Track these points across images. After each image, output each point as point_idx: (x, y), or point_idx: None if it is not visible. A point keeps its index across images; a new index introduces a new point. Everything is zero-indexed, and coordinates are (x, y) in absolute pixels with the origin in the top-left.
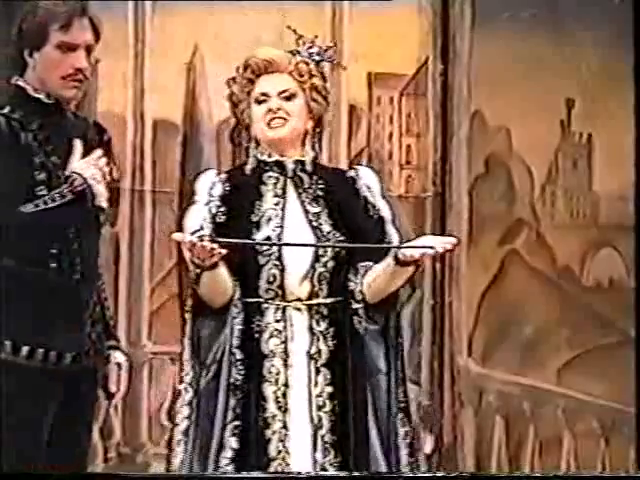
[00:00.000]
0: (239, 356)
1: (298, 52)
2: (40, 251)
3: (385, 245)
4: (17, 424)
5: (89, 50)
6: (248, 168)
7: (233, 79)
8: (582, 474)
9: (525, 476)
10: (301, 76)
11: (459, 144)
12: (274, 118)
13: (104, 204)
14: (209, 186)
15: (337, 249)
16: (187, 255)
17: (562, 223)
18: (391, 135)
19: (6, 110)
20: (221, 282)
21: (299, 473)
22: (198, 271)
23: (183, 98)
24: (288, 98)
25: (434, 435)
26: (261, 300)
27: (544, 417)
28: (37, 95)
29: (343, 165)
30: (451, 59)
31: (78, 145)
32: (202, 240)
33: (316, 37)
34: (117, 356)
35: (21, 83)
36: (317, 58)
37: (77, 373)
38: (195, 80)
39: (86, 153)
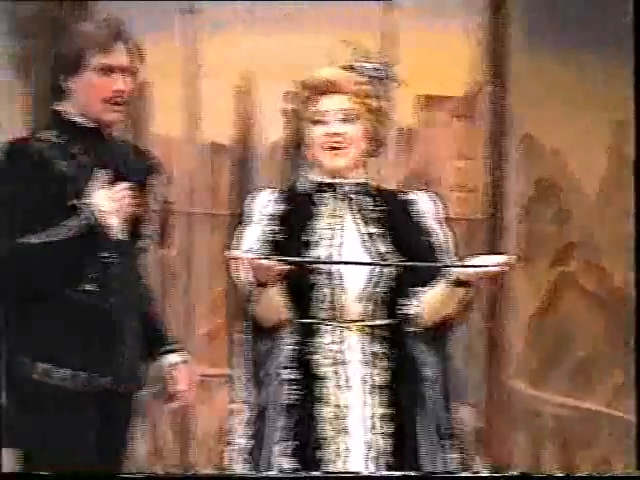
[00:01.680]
0: (291, 377)
1: (353, 67)
2: (75, 274)
3: (441, 264)
4: (52, 445)
5: (128, 72)
6: (303, 188)
7: (291, 94)
8: (582, 474)
9: (526, 476)
10: (361, 98)
11: (511, 166)
12: (332, 146)
13: (119, 236)
14: (263, 205)
15: (392, 270)
16: (242, 274)
17: (614, 245)
18: (442, 158)
19: (44, 136)
20: (275, 301)
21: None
22: (253, 289)
23: (236, 121)
24: (347, 121)
25: (486, 459)
26: (315, 321)
27: (596, 440)
28: (78, 120)
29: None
30: (503, 82)
31: (101, 175)
32: (261, 258)
33: (373, 51)
34: (170, 358)
35: (60, 108)
36: (373, 74)
37: (111, 395)
38: (247, 103)
39: (124, 180)
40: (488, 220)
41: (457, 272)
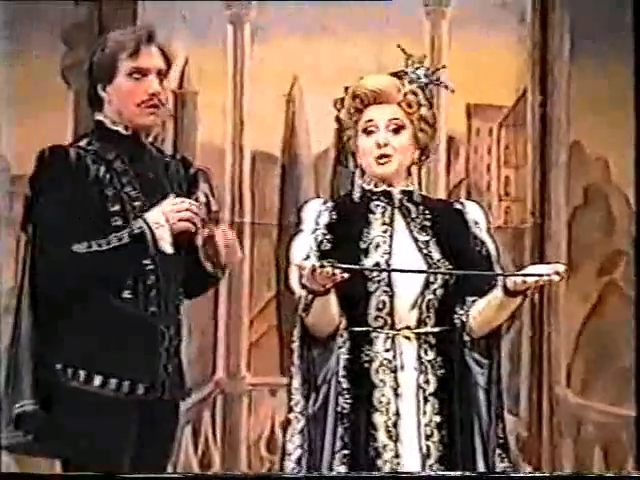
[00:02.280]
0: (346, 385)
1: (405, 73)
2: (115, 281)
3: (495, 273)
4: (92, 451)
5: (160, 75)
6: (355, 197)
7: (341, 101)
8: (582, 474)
9: (526, 476)
10: (410, 107)
11: (558, 175)
12: (382, 154)
13: (168, 249)
14: (315, 215)
15: (446, 277)
16: (296, 282)
17: None
18: (489, 166)
19: (82, 143)
20: (330, 310)
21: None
22: (310, 297)
23: (282, 129)
24: (396, 130)
25: (533, 467)
26: (370, 329)
27: None
28: (115, 127)
29: (441, 196)
30: (550, 90)
31: (165, 199)
32: (323, 266)
33: (425, 57)
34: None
35: (100, 117)
36: (424, 80)
37: (152, 404)
38: (294, 111)
39: (162, 188)
40: (535, 228)
41: (510, 281)
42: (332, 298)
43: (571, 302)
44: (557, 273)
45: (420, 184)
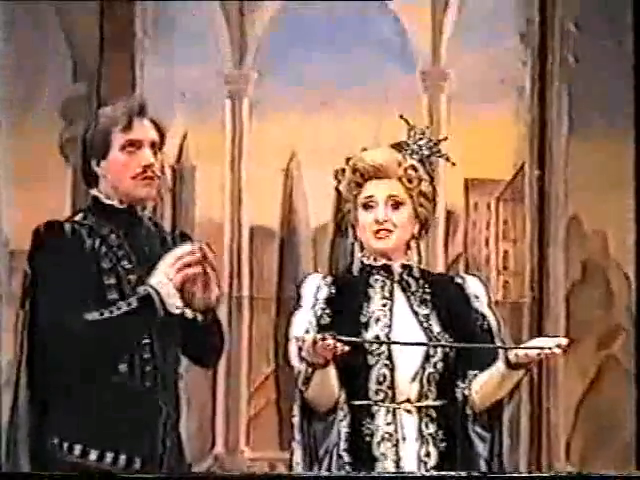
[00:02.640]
0: (347, 459)
1: (407, 144)
2: (111, 356)
3: (498, 346)
4: None
5: (154, 147)
6: (354, 270)
7: (342, 172)
8: (582, 474)
9: (526, 476)
10: (410, 182)
11: (556, 249)
12: (380, 230)
13: (176, 307)
14: (314, 289)
15: (446, 351)
16: (295, 357)
17: None
18: (488, 240)
19: (77, 218)
20: (330, 383)
21: None
22: (310, 370)
23: (280, 204)
24: (396, 207)
25: None
26: (371, 402)
27: None
28: (109, 202)
29: (440, 270)
30: (548, 165)
31: (161, 260)
32: (324, 338)
33: (427, 128)
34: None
35: (95, 193)
36: (426, 152)
37: (150, 477)
38: (292, 186)
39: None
40: (533, 303)
41: (512, 354)
42: (331, 371)
43: (570, 377)
44: (559, 346)
45: (420, 258)
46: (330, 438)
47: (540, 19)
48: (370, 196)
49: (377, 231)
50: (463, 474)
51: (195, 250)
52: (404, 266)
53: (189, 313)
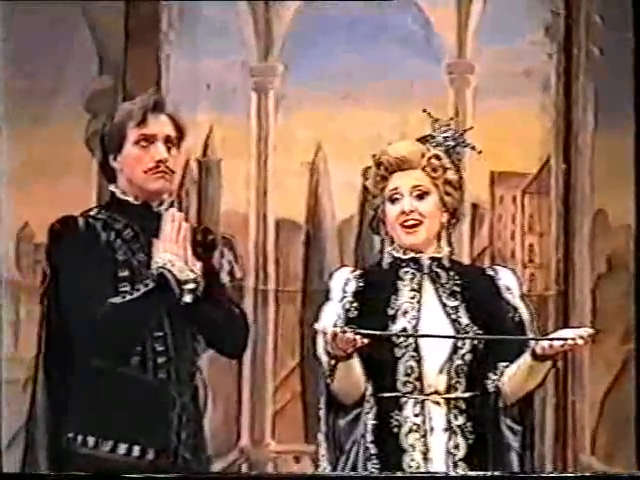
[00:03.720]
0: (374, 450)
1: (433, 137)
2: (123, 348)
3: (523, 337)
4: None
5: (169, 142)
6: (384, 264)
7: (368, 169)
8: (582, 474)
9: (526, 476)
10: (434, 171)
11: (581, 242)
12: (408, 220)
13: (191, 283)
14: (343, 283)
15: (475, 343)
16: (322, 351)
17: None
18: (513, 234)
19: (92, 212)
20: (354, 375)
21: None
22: (333, 362)
23: (306, 197)
24: (421, 197)
25: None
26: (399, 394)
27: None
28: (125, 197)
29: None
30: (573, 158)
31: (154, 242)
32: (345, 331)
33: (452, 119)
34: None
35: (112, 188)
36: (451, 143)
37: (164, 469)
38: (318, 179)
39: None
40: (559, 296)
41: (538, 346)
42: (356, 364)
43: (595, 370)
44: (582, 337)
45: (452, 249)
46: (356, 431)
47: (565, 12)
48: (395, 188)
49: (404, 223)
50: (472, 474)
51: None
52: (433, 258)
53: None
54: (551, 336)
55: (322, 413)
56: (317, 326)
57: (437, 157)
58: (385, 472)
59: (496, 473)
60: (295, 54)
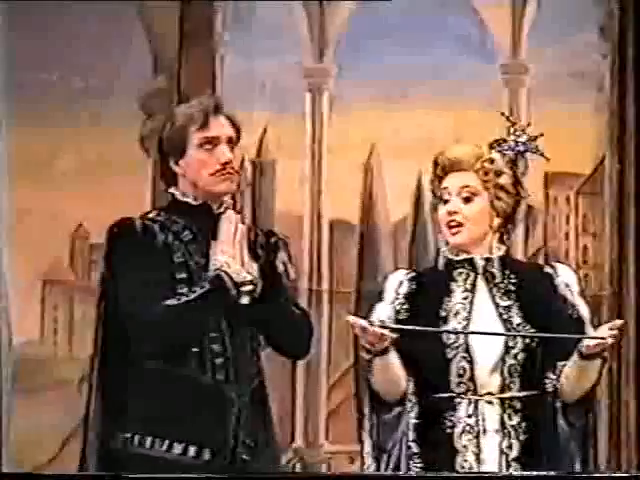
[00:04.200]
0: (416, 449)
1: (505, 140)
2: (181, 350)
3: (565, 335)
4: None
5: (231, 143)
6: (439, 265)
7: (425, 172)
8: (582, 474)
9: (530, 476)
10: (486, 174)
11: (636, 243)
12: (451, 221)
13: (248, 285)
14: (397, 285)
15: (528, 342)
16: (360, 341)
17: None
18: (567, 234)
19: (151, 214)
20: (392, 371)
21: None
22: (368, 357)
23: (360, 198)
24: (468, 199)
25: None
26: (452, 394)
27: None
28: (184, 199)
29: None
30: (627, 158)
31: (212, 244)
32: (372, 324)
33: (528, 125)
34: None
35: (172, 190)
36: (522, 148)
37: (221, 470)
38: (372, 179)
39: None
40: (613, 297)
41: (584, 345)
42: (393, 360)
43: None
44: (614, 330)
45: (508, 249)
46: (399, 429)
47: (620, 12)
48: (445, 188)
49: (449, 223)
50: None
51: (232, 220)
52: (486, 259)
53: (245, 299)
54: (592, 334)
55: (366, 411)
56: (349, 317)
57: (491, 161)
58: (430, 472)
59: (552, 473)
60: (349, 55)
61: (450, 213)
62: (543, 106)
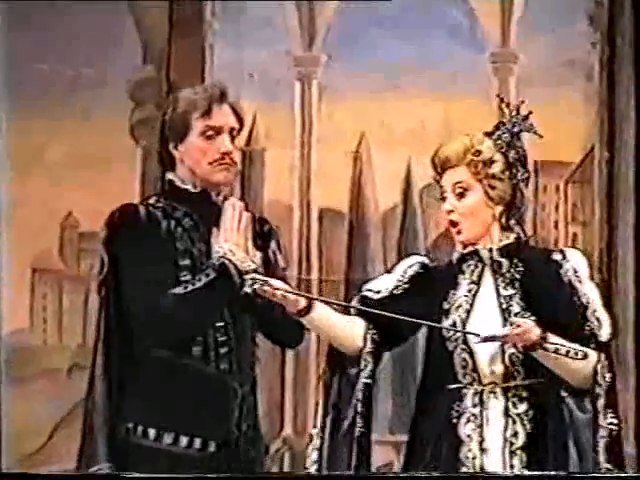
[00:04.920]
0: (360, 409)
1: (503, 123)
2: (184, 339)
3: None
4: None
5: (232, 133)
6: (453, 259)
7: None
8: (582, 474)
9: (525, 476)
10: (476, 167)
11: (625, 232)
12: (451, 220)
13: (252, 274)
14: (407, 265)
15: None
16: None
17: None
18: (557, 223)
19: (151, 201)
20: (327, 330)
21: None
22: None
23: (349, 187)
24: (462, 194)
25: None
26: (457, 385)
27: None
28: (184, 186)
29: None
30: (617, 147)
31: (214, 232)
32: (254, 281)
33: (522, 102)
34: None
35: (170, 176)
36: (517, 129)
37: (225, 461)
38: (361, 168)
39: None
40: (602, 285)
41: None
42: (322, 321)
43: (638, 358)
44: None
45: (517, 235)
46: (356, 388)
47: (609, 1)
48: (442, 187)
49: (450, 222)
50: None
51: (236, 207)
52: (490, 249)
53: (249, 288)
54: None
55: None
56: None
57: (478, 152)
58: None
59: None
60: (339, 44)
61: (447, 212)
62: (532, 95)
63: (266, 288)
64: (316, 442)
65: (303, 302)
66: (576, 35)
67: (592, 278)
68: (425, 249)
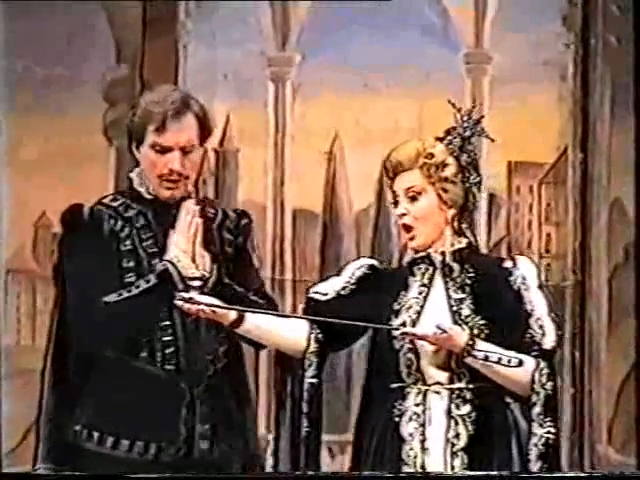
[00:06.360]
0: (306, 409)
1: (454, 128)
2: (126, 343)
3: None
4: None
5: (185, 150)
6: (404, 262)
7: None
8: (582, 474)
9: (525, 476)
10: (428, 170)
11: (599, 232)
12: (403, 224)
13: (197, 281)
14: (356, 267)
15: (475, 333)
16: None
17: None
18: (530, 224)
19: (107, 200)
20: (264, 337)
21: None
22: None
23: (323, 187)
24: (414, 198)
25: None
26: (401, 385)
27: None
28: (140, 188)
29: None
30: (591, 147)
31: (170, 233)
32: (185, 300)
33: (473, 107)
34: None
35: (132, 175)
36: (468, 133)
37: (181, 464)
38: (335, 168)
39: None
40: (576, 286)
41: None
42: (255, 330)
43: (612, 360)
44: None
45: (470, 241)
46: (301, 386)
47: (583, 1)
48: (394, 192)
49: (402, 227)
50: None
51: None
52: (442, 253)
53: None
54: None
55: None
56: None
57: (430, 155)
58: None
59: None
60: (312, 44)
61: (400, 216)
62: (506, 95)
63: (188, 306)
64: (272, 446)
65: (233, 315)
66: (550, 35)
67: (541, 287)
68: (399, 250)
